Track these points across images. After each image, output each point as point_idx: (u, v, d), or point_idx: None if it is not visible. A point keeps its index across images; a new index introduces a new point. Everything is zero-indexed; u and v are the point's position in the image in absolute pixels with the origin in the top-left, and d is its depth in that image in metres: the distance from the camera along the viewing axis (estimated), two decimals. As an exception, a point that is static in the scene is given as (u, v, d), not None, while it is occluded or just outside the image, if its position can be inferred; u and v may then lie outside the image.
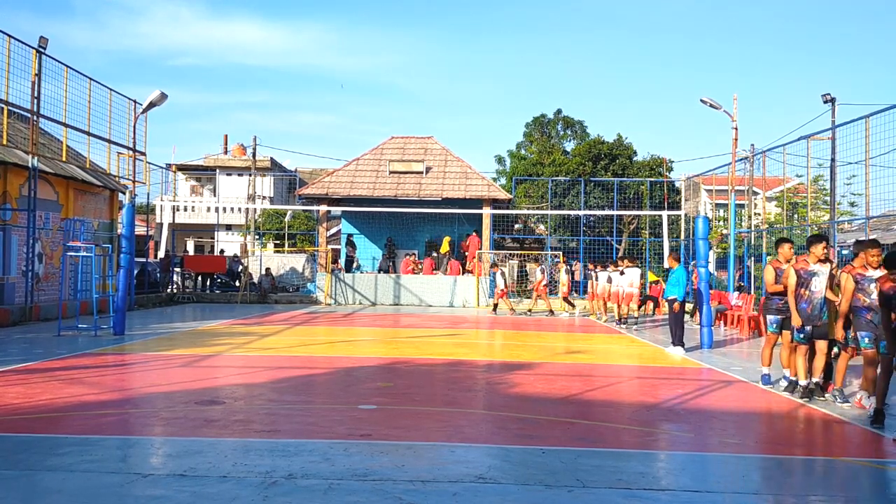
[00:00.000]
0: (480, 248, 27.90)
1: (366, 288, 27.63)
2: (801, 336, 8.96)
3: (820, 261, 8.95)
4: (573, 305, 23.58)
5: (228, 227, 44.97)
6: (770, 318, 9.77)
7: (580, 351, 13.91)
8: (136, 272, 23.50)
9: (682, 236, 28.02)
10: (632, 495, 5.08)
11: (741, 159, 25.33)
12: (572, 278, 25.12)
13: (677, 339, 13.59)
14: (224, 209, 42.53)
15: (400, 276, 27.67)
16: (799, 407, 8.52)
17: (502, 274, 23.78)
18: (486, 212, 28.84)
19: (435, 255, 29.15)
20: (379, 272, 28.58)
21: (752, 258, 24.00)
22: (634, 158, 33.95)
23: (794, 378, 9.25)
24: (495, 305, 23.76)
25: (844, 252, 23.62)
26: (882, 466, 5.97)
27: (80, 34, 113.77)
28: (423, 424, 7.23)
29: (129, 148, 22.80)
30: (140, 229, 31.57)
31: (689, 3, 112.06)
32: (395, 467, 5.63)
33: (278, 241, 41.30)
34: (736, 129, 24.52)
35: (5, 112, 17.29)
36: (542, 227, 33.76)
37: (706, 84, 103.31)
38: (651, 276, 26.94)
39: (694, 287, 17.79)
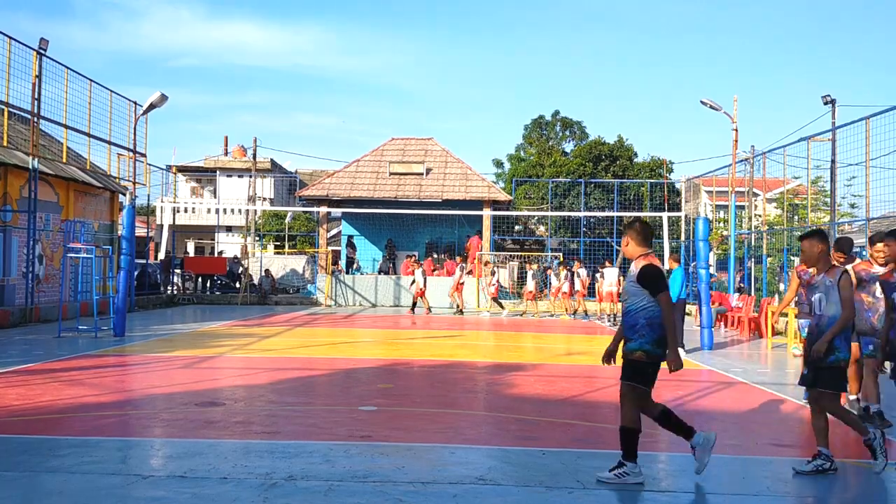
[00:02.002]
0: (481, 250, 27.92)
1: (366, 289, 27.63)
2: (871, 349, 7.39)
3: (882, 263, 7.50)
4: (502, 306, 24.12)
5: (229, 229, 44.97)
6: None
7: (580, 352, 13.91)
8: (136, 273, 23.50)
9: (683, 238, 28.01)
10: (632, 497, 5.08)
11: (741, 161, 25.34)
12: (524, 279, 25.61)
13: (679, 341, 13.58)
14: (224, 210, 42.53)
15: (400, 278, 27.66)
16: (799, 408, 8.51)
17: (423, 273, 24.17)
18: (487, 213, 28.85)
19: (435, 256, 29.18)
20: (379, 273, 28.58)
21: (753, 259, 23.99)
22: (635, 160, 33.96)
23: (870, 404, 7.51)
24: (414, 304, 24.05)
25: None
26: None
27: (81, 35, 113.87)
28: (424, 426, 7.23)
29: (129, 149, 22.82)
30: (140, 231, 31.56)
31: (689, 3, 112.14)
32: (396, 469, 5.63)
33: (279, 243, 41.30)
34: (736, 130, 24.52)
35: (6, 113, 17.30)
36: (542, 228, 33.76)
37: (706, 84, 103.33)
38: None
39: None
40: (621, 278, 22.31)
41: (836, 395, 5.95)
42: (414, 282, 23.97)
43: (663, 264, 14.21)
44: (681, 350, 13.33)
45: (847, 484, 5.70)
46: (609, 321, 21.43)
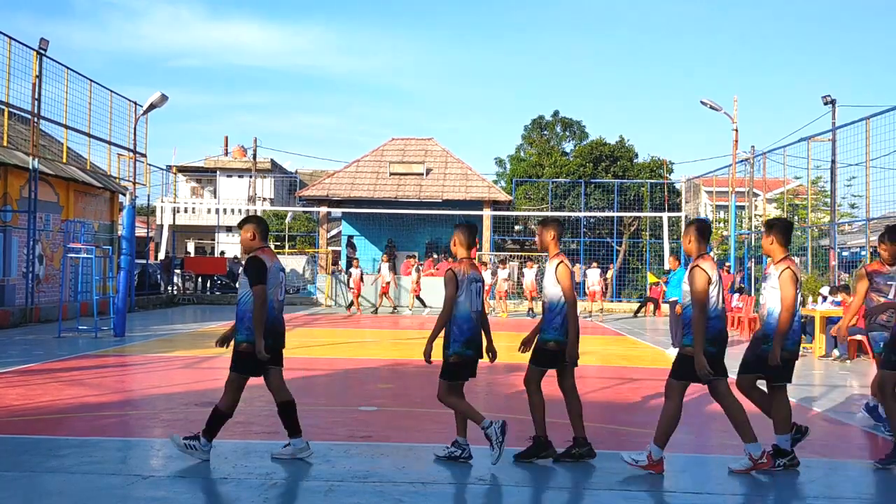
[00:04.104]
0: (479, 249, 27.90)
1: (366, 289, 27.59)
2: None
3: None
4: (423, 303, 24.74)
5: (229, 229, 44.95)
6: (875, 335, 7.21)
7: (580, 353, 13.88)
8: (136, 274, 23.51)
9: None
10: (632, 497, 5.08)
11: (741, 161, 25.34)
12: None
13: (678, 342, 13.57)
14: (224, 211, 42.53)
15: (400, 278, 27.65)
16: (799, 409, 8.51)
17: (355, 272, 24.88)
18: (487, 213, 28.85)
19: (435, 256, 29.19)
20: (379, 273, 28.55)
21: (753, 260, 23.99)
22: (635, 160, 33.95)
23: None
24: (351, 303, 24.32)
25: (844, 254, 23.63)
26: (884, 467, 5.96)
27: (81, 35, 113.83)
28: (424, 426, 7.23)
29: (129, 149, 22.81)
30: (140, 231, 31.58)
31: (689, 3, 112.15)
32: (396, 469, 5.63)
33: (279, 243, 41.31)
34: (736, 130, 24.52)
35: (6, 114, 17.30)
36: (542, 228, 33.75)
37: (706, 84, 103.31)
38: (651, 278, 26.93)
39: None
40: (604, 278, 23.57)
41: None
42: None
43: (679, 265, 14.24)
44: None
45: (845, 484, 5.69)
46: (590, 318, 22.23)
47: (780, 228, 6.04)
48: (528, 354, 6.37)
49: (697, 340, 5.57)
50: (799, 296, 5.95)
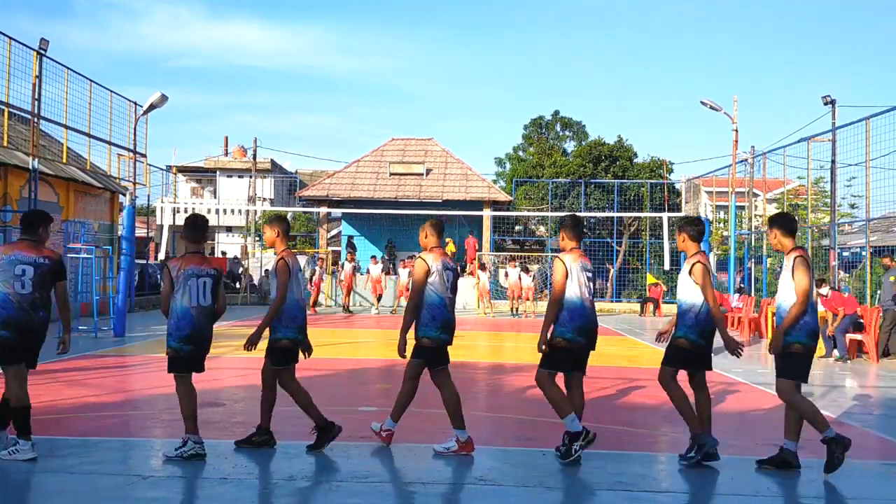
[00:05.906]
0: (479, 250, 27.91)
1: (366, 290, 27.60)
2: None
3: None
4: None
5: (229, 229, 44.97)
6: None
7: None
8: (136, 274, 23.50)
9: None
10: (632, 497, 5.08)
11: (741, 161, 25.35)
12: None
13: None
14: (224, 211, 42.54)
15: (401, 278, 27.65)
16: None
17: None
18: (487, 213, 28.85)
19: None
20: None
21: (753, 260, 23.99)
22: (635, 160, 33.94)
23: None
24: (315, 302, 24.43)
25: (844, 254, 23.64)
26: (884, 468, 5.97)
27: (81, 36, 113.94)
28: (424, 426, 7.22)
29: (129, 150, 22.81)
30: (140, 231, 31.56)
31: (689, 3, 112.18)
32: (396, 469, 5.63)
33: (279, 243, 41.24)
34: (736, 130, 24.52)
35: (6, 114, 17.29)
36: (542, 228, 33.76)
37: (706, 85, 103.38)
38: (650, 279, 26.93)
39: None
40: (521, 275, 23.57)
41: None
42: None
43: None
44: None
45: (844, 484, 5.69)
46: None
47: (568, 224, 6.24)
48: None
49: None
50: (571, 283, 5.99)
